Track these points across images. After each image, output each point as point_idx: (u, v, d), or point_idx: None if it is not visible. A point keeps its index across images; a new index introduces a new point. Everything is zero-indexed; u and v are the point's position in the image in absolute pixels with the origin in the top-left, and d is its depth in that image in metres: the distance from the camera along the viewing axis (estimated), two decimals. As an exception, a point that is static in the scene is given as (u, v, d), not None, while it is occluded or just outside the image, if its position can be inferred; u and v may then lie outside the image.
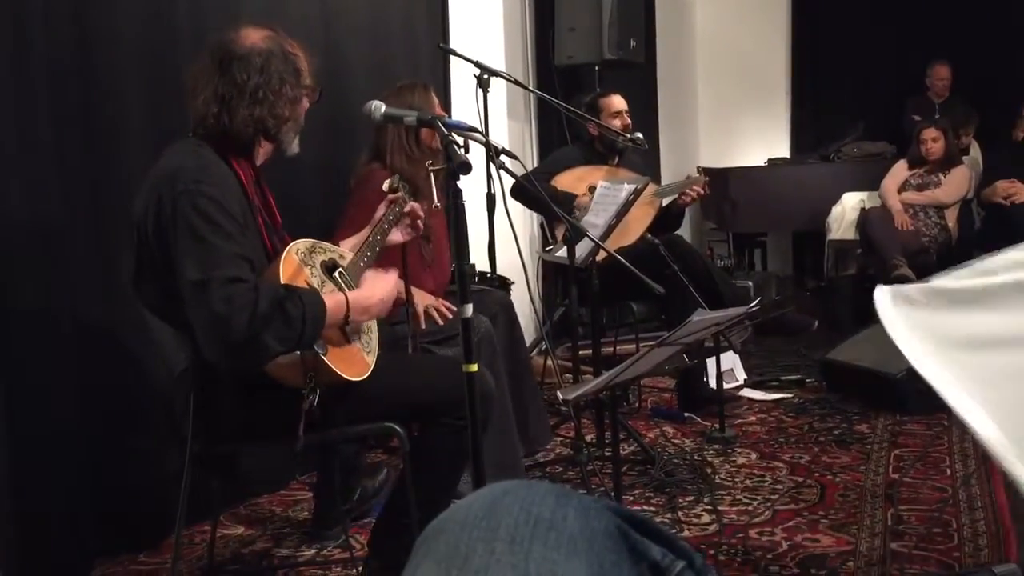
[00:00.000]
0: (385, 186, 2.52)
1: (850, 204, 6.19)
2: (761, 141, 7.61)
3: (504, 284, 3.95)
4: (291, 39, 2.29)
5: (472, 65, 3.61)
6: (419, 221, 2.53)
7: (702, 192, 4.24)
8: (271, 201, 2.31)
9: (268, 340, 1.95)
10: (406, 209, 2.49)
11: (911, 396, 3.88)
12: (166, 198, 2.03)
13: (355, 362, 2.18)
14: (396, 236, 2.52)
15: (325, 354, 2.08)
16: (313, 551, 2.78)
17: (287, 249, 2.13)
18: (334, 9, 3.71)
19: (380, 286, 2.27)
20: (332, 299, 2.10)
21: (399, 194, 2.50)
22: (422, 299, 3.10)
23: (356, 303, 2.16)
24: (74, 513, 2.60)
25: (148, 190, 2.10)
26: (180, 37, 2.95)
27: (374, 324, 2.33)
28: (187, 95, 2.20)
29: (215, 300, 1.93)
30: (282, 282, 2.06)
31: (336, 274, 2.25)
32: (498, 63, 4.72)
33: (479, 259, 3.93)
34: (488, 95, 3.71)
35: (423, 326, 3.04)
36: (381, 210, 2.50)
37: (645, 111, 6.30)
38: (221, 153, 2.17)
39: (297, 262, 2.14)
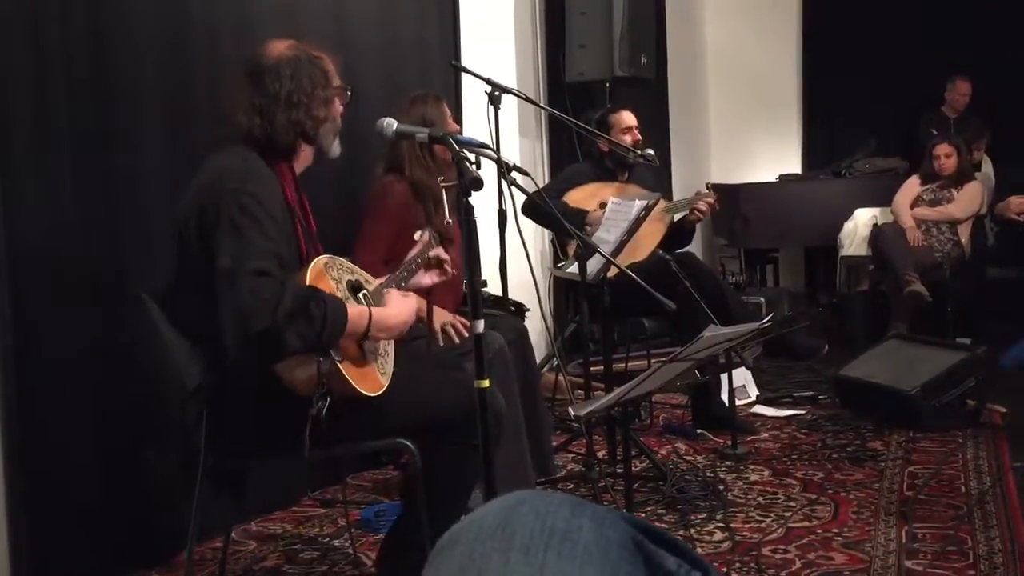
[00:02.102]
0: (416, 236, 2.58)
1: (862, 220, 6.17)
2: (772, 157, 7.60)
3: (519, 310, 3.90)
4: (314, 46, 2.39)
5: (483, 82, 3.62)
6: (447, 266, 2.56)
7: (712, 205, 4.22)
8: (308, 208, 2.37)
9: (288, 335, 1.99)
10: (432, 253, 2.53)
11: (925, 412, 3.87)
12: (211, 198, 2.12)
13: (369, 378, 2.19)
14: (425, 279, 2.54)
15: (341, 361, 2.09)
16: (324, 567, 2.78)
17: (313, 262, 2.17)
18: (347, 27, 3.73)
19: (404, 308, 2.30)
20: (355, 309, 2.14)
21: (427, 240, 2.55)
22: (439, 316, 3.10)
23: (378, 319, 2.19)
24: (87, 530, 2.61)
25: (193, 194, 2.19)
26: (195, 64, 2.99)
27: (391, 349, 2.34)
28: (228, 111, 2.29)
29: (242, 291, 1.99)
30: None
31: (360, 295, 2.27)
32: (509, 80, 4.74)
33: (490, 275, 3.93)
34: (499, 112, 3.71)
35: (440, 343, 3.04)
36: (413, 253, 2.54)
37: (656, 127, 6.31)
38: (266, 159, 2.25)
39: (323, 271, 2.17)
